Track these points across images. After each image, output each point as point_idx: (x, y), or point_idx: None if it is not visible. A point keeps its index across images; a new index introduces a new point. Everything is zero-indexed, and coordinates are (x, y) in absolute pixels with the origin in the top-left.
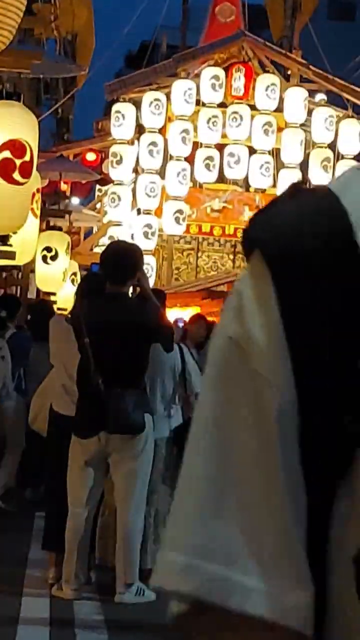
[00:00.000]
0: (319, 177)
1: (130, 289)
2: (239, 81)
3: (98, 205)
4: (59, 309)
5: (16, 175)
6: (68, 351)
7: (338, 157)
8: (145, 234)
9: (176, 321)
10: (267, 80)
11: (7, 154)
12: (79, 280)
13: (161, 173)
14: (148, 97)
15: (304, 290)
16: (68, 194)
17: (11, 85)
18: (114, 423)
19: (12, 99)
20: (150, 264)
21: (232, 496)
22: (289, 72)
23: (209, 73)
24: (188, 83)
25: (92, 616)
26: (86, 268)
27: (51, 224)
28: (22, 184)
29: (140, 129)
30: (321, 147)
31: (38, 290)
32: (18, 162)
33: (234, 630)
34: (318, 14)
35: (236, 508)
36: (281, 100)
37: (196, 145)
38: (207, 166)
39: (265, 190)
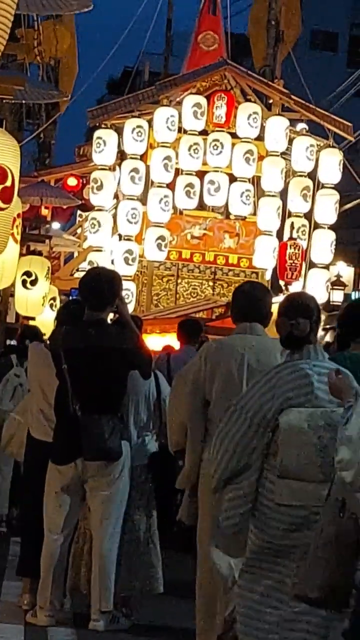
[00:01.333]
0: (298, 205)
1: (110, 315)
2: (220, 109)
3: (79, 231)
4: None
5: None
6: (47, 377)
7: (318, 186)
8: (126, 260)
9: (166, 347)
10: (248, 109)
11: None
12: (58, 306)
13: (143, 199)
14: (130, 123)
15: None
16: (49, 218)
17: None
18: (90, 449)
19: None
20: (130, 289)
21: None
22: (270, 101)
23: (191, 101)
24: (170, 110)
25: None
26: (66, 293)
27: (31, 248)
28: (3, 209)
29: (122, 155)
30: (301, 175)
31: (17, 315)
32: None
33: None
34: (300, 43)
35: None
36: (262, 128)
37: (177, 172)
38: (188, 193)
39: (245, 217)
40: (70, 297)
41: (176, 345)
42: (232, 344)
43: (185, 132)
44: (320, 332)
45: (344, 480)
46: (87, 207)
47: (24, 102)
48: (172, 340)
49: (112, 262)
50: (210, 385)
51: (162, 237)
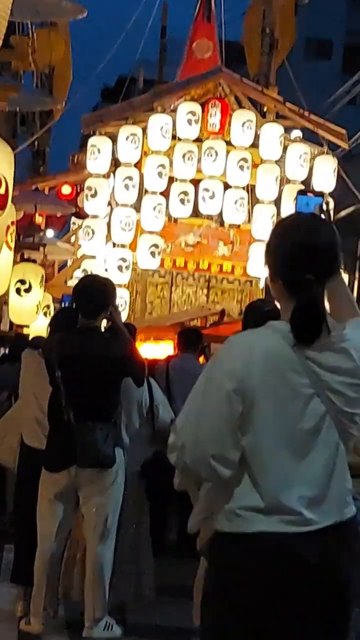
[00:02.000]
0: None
1: (103, 323)
2: (215, 117)
3: (73, 238)
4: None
5: None
6: (40, 384)
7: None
8: (120, 268)
9: (170, 357)
10: (243, 116)
11: None
12: (52, 313)
13: (136, 207)
14: (124, 131)
15: None
16: (43, 226)
17: None
18: (83, 457)
19: None
20: (124, 297)
21: None
22: (265, 109)
23: (185, 108)
24: (164, 118)
25: None
26: (60, 301)
27: (26, 256)
28: None
29: (116, 163)
30: (295, 183)
31: (11, 323)
32: None
33: None
34: (295, 51)
35: None
36: (257, 136)
37: (171, 180)
38: (182, 201)
39: (239, 225)
40: (63, 304)
41: (169, 352)
42: None
43: (179, 139)
44: None
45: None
46: (81, 214)
47: (18, 109)
48: (166, 347)
49: (106, 269)
50: None
51: (155, 245)
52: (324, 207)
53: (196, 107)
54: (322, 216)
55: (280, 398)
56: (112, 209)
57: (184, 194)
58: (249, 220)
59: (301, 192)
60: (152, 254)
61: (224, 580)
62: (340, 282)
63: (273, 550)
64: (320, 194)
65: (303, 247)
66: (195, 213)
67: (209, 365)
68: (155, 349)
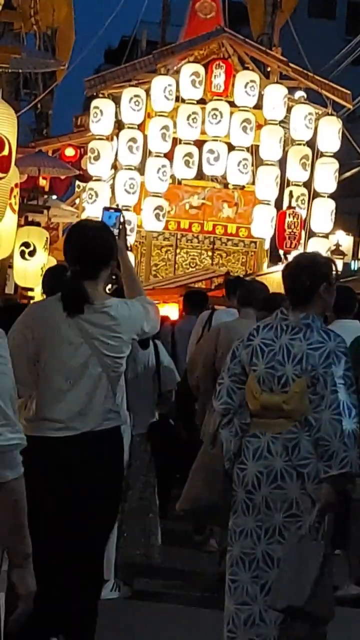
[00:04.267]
0: (297, 174)
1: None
2: (219, 78)
3: (77, 201)
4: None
5: None
6: None
7: (317, 154)
8: None
9: (164, 318)
10: (246, 77)
11: None
12: None
13: (140, 169)
14: (127, 93)
15: None
16: (47, 189)
17: None
18: None
19: None
20: None
21: None
22: (268, 69)
23: (189, 69)
24: (168, 79)
25: None
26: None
27: (30, 219)
28: (0, 178)
29: (119, 125)
30: (300, 144)
31: (16, 286)
32: None
33: None
34: (298, 11)
35: None
36: (260, 97)
37: (175, 142)
38: (187, 163)
39: (243, 187)
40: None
41: (173, 315)
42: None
43: (183, 101)
44: None
45: None
46: (85, 177)
47: (20, 71)
48: (171, 310)
49: None
50: None
51: (160, 207)
52: (121, 219)
53: (200, 69)
54: (119, 227)
55: (56, 344)
56: (115, 172)
57: (189, 155)
58: (253, 182)
59: (105, 209)
60: (157, 216)
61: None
62: (125, 270)
63: (42, 449)
64: (120, 210)
65: (70, 251)
66: (200, 175)
67: (17, 321)
68: (160, 312)
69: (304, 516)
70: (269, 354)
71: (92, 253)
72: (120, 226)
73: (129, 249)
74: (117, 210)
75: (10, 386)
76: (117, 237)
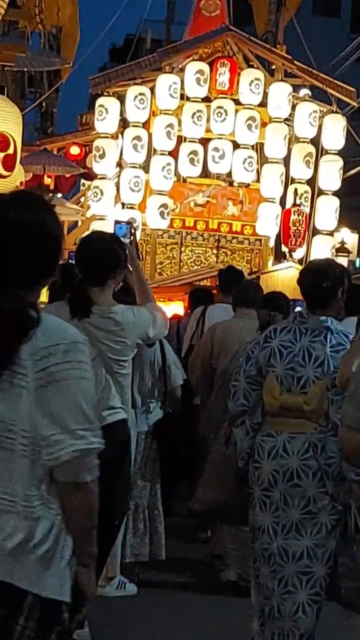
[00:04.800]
0: (301, 172)
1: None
2: (223, 76)
3: (82, 199)
4: (41, 302)
5: None
6: None
7: (321, 152)
8: None
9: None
10: (251, 75)
11: None
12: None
13: (145, 167)
14: (132, 91)
15: None
16: (52, 187)
17: None
18: None
19: None
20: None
21: None
22: (273, 67)
23: (194, 68)
24: (172, 77)
25: None
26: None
27: None
28: (5, 176)
29: (124, 123)
30: (304, 142)
31: None
32: (1, 155)
33: None
34: (303, 9)
35: None
36: (265, 95)
37: (180, 140)
38: (192, 161)
39: (248, 185)
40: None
41: (174, 312)
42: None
43: (188, 99)
44: None
45: None
46: (90, 175)
47: (25, 70)
48: (176, 308)
49: None
50: None
51: (164, 205)
52: (132, 230)
53: (204, 67)
54: (131, 237)
55: None
56: (120, 170)
57: (193, 153)
58: (258, 180)
59: (117, 222)
60: (162, 214)
61: None
62: (135, 278)
63: None
64: (130, 222)
65: (78, 260)
66: (205, 173)
67: None
68: (165, 310)
69: (321, 513)
70: (288, 355)
71: (97, 263)
72: (131, 237)
73: (140, 257)
74: (128, 222)
75: (92, 391)
76: (128, 247)
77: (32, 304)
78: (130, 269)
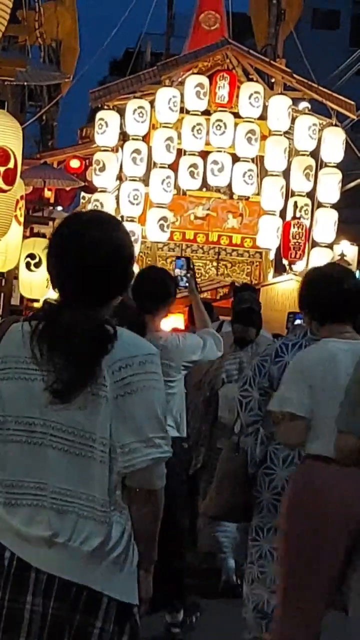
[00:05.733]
0: (301, 185)
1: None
2: (223, 89)
3: None
4: None
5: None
6: None
7: (321, 165)
8: None
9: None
10: (250, 88)
11: None
12: None
13: (145, 180)
14: (132, 104)
15: None
16: (52, 200)
17: None
18: None
19: None
20: (133, 271)
21: None
22: (272, 80)
23: (193, 81)
24: (172, 91)
25: None
26: None
27: (35, 230)
28: (5, 191)
29: (124, 137)
30: (304, 154)
31: (22, 297)
32: (2, 169)
33: None
34: (302, 22)
35: None
36: (265, 108)
37: (180, 153)
38: (192, 174)
39: (248, 197)
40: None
41: (174, 325)
42: None
43: (187, 112)
44: None
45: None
46: (90, 188)
47: (25, 84)
48: (176, 321)
49: None
50: None
51: (164, 218)
52: (190, 265)
53: (204, 80)
54: (189, 271)
55: None
56: (120, 183)
57: (194, 166)
58: (258, 192)
59: (177, 257)
60: (161, 227)
61: None
62: (195, 307)
63: None
64: (189, 258)
65: (136, 290)
66: (204, 186)
67: None
68: (165, 322)
69: None
70: None
71: (154, 293)
72: (190, 270)
73: (199, 290)
74: (186, 257)
75: (165, 401)
76: (189, 279)
77: (108, 320)
78: (190, 297)
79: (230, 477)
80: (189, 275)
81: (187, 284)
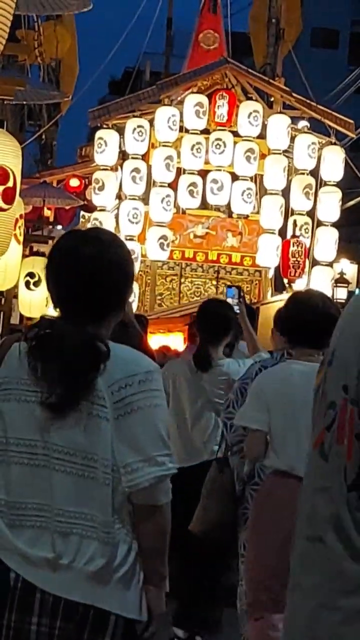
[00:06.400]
0: (300, 203)
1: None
2: (222, 108)
3: None
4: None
5: None
6: None
7: (320, 183)
8: None
9: (163, 348)
10: (250, 107)
11: None
12: None
13: (144, 199)
14: (131, 123)
15: None
16: (52, 219)
17: None
18: None
19: None
20: (133, 290)
21: None
22: (271, 99)
23: (193, 100)
24: (171, 110)
25: None
26: None
27: (34, 249)
28: (4, 210)
29: (123, 155)
30: (303, 173)
31: (21, 316)
32: (1, 188)
33: None
34: (301, 41)
35: None
36: (264, 127)
37: (179, 172)
38: (191, 192)
39: (247, 216)
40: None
41: (174, 343)
42: None
43: (187, 131)
44: None
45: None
46: (90, 207)
47: (25, 103)
48: (176, 339)
49: None
50: None
51: (164, 237)
52: (241, 293)
53: (203, 99)
54: (238, 300)
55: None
56: (120, 202)
57: (193, 185)
58: (258, 211)
59: (228, 286)
60: (161, 245)
61: None
62: (246, 333)
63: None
64: (239, 286)
65: (201, 324)
66: (204, 204)
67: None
68: (165, 341)
69: None
70: None
71: (217, 326)
72: (241, 298)
73: (251, 315)
74: (237, 286)
75: (167, 418)
76: (240, 306)
77: (101, 337)
78: (240, 322)
79: (217, 497)
80: (240, 301)
81: (238, 311)
